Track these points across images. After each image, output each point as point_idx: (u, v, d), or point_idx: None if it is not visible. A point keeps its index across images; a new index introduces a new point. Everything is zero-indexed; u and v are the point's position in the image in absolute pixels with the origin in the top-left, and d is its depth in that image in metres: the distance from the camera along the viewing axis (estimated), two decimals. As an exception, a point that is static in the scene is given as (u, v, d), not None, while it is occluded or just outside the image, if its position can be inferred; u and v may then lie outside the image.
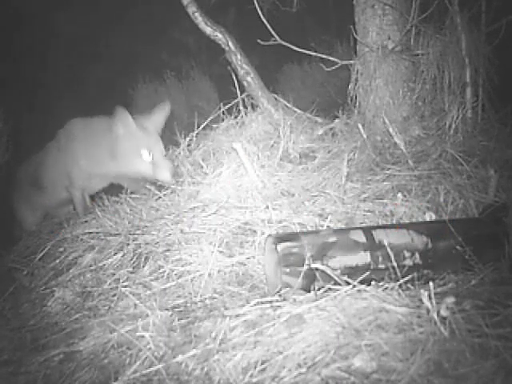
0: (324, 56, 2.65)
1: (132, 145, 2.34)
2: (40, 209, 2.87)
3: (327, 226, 1.74)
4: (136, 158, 2.34)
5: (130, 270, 1.75)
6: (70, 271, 1.88)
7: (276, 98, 2.85)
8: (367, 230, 1.43)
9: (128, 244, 1.86)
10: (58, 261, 1.99)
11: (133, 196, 2.33)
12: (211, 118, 2.85)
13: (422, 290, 1.12)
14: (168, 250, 1.77)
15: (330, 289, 1.30)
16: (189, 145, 2.71)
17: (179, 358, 1.18)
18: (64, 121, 2.70)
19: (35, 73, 5.01)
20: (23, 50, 4.97)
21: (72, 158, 2.54)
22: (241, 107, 2.81)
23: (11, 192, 3.00)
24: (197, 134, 2.75)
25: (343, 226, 1.76)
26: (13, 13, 4.70)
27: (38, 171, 2.74)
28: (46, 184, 2.73)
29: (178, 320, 1.38)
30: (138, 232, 1.89)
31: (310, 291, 1.33)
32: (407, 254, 1.39)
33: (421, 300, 1.13)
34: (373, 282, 1.32)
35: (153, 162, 2.33)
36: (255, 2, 2.63)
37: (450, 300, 1.10)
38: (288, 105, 2.83)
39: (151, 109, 2.50)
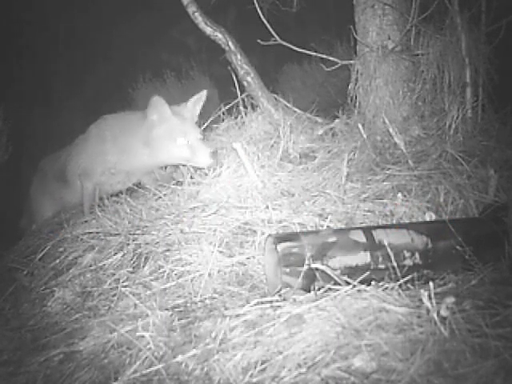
0: (324, 56, 2.65)
1: (167, 130, 2.37)
2: (60, 204, 2.83)
3: (327, 226, 1.74)
4: (171, 143, 2.37)
5: (130, 270, 1.75)
6: (70, 271, 1.88)
7: (276, 98, 2.85)
8: (367, 230, 1.43)
9: (128, 244, 1.86)
10: (58, 261, 1.99)
11: (133, 196, 2.33)
12: (211, 118, 2.85)
13: (422, 290, 1.12)
14: (168, 250, 1.77)
15: (330, 289, 1.30)
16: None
17: (179, 358, 1.18)
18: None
19: (36, 73, 5.01)
20: (24, 51, 4.97)
21: (100, 152, 2.53)
22: (241, 107, 2.81)
23: (30, 183, 2.97)
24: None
25: (343, 226, 1.76)
26: (14, 13, 4.70)
27: (66, 165, 2.71)
28: (72, 179, 2.70)
29: (178, 320, 1.38)
30: (138, 232, 1.89)
31: (310, 291, 1.33)
32: (407, 254, 1.39)
33: (421, 300, 1.13)
34: (373, 282, 1.32)
35: (190, 146, 2.36)
36: (255, 2, 2.63)
37: (450, 300, 1.10)
38: (288, 105, 2.83)
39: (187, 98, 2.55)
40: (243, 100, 2.84)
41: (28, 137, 4.32)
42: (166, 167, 2.62)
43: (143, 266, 1.75)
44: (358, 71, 2.52)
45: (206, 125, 2.81)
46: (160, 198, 2.18)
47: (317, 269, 1.32)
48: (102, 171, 2.55)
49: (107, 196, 2.49)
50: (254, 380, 1.06)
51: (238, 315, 1.30)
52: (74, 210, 2.82)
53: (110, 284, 1.71)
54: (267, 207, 1.86)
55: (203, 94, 2.54)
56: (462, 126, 2.30)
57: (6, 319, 1.73)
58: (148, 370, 1.17)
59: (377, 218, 1.81)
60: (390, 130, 2.30)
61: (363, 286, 1.26)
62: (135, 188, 2.51)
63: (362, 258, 1.37)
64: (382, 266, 1.36)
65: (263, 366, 1.08)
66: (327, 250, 1.36)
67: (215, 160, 2.33)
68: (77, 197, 2.70)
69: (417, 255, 1.39)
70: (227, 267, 1.64)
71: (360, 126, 2.37)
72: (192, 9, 2.77)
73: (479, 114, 2.39)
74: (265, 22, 2.62)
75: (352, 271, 1.35)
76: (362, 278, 1.33)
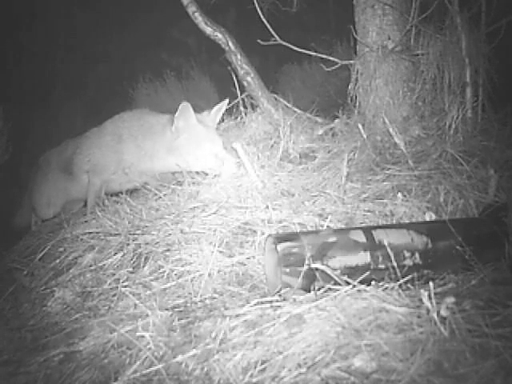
0: (324, 56, 2.65)
1: (193, 137, 2.33)
2: (64, 197, 2.80)
3: (327, 226, 1.74)
4: (199, 151, 2.33)
5: (130, 270, 1.75)
6: (70, 271, 1.88)
7: (276, 98, 2.86)
8: (367, 230, 1.43)
9: (128, 244, 1.86)
10: (58, 261, 1.99)
11: (133, 196, 2.33)
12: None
13: (422, 290, 1.12)
14: (168, 250, 1.77)
15: (330, 289, 1.30)
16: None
17: (179, 357, 1.18)
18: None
19: (36, 73, 5.01)
20: (24, 51, 4.97)
21: (115, 150, 2.49)
22: (241, 107, 2.82)
23: (32, 175, 2.95)
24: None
25: (343, 226, 1.76)
26: (14, 13, 4.71)
27: (73, 158, 2.67)
28: (78, 172, 2.66)
29: (178, 320, 1.38)
30: (138, 232, 1.89)
31: (310, 291, 1.33)
32: (407, 254, 1.39)
33: (421, 300, 1.13)
34: (373, 282, 1.32)
35: (216, 155, 2.33)
36: (255, 2, 2.63)
37: (450, 300, 1.10)
38: (288, 105, 2.84)
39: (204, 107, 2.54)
40: (243, 100, 2.84)
41: (28, 137, 4.32)
42: None
43: (143, 266, 1.75)
44: (358, 71, 2.52)
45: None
46: (160, 197, 2.18)
47: (317, 269, 1.32)
48: (114, 170, 2.51)
49: (111, 194, 2.48)
50: (254, 380, 1.06)
51: (237, 315, 1.30)
52: (75, 209, 2.83)
53: (109, 284, 1.71)
54: (267, 207, 1.86)
55: (225, 103, 2.51)
56: (462, 126, 2.30)
57: (6, 319, 1.73)
58: (148, 370, 1.17)
59: (377, 217, 1.81)
60: (390, 130, 2.30)
61: (363, 286, 1.26)
62: (136, 187, 2.51)
63: (362, 257, 1.36)
64: (382, 266, 1.36)
65: (263, 366, 1.08)
66: (327, 250, 1.36)
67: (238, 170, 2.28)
68: (81, 191, 2.68)
69: (417, 255, 1.39)
70: (227, 267, 1.64)
71: (360, 126, 2.37)
72: (192, 9, 2.77)
73: (479, 114, 2.39)
74: (265, 22, 2.62)
75: (352, 271, 1.35)
76: (362, 278, 1.33)
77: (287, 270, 1.34)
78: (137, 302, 1.51)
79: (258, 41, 2.63)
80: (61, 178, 2.76)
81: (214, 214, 1.90)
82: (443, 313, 1.08)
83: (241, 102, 2.84)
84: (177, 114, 2.30)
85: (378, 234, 1.41)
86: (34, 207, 2.92)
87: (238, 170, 2.26)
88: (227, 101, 2.54)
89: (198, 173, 2.35)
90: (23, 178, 3.21)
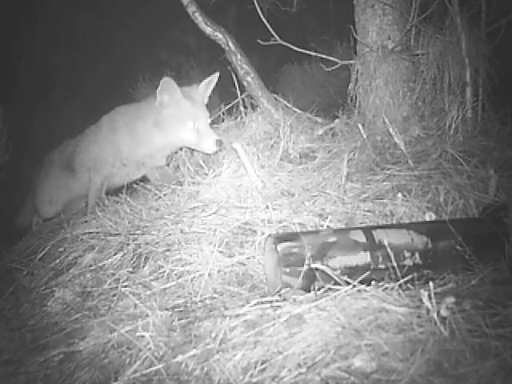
0: (324, 56, 2.65)
1: (176, 112, 2.38)
2: (66, 194, 2.82)
3: (327, 226, 1.74)
4: (180, 126, 2.38)
5: (130, 270, 1.75)
6: (70, 271, 1.88)
7: (276, 98, 2.85)
8: (367, 230, 1.43)
9: (128, 244, 1.86)
10: (58, 261, 1.99)
11: (133, 196, 2.33)
12: (211, 118, 2.85)
13: (421, 290, 1.12)
14: (168, 250, 1.77)
15: (330, 289, 1.30)
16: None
17: (179, 358, 1.18)
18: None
19: (36, 73, 5.01)
20: (24, 51, 4.97)
21: (112, 142, 2.53)
22: (241, 107, 2.81)
23: (35, 175, 2.97)
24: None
25: (343, 226, 1.76)
26: (14, 13, 4.70)
27: (74, 156, 2.70)
28: (79, 170, 2.69)
29: (178, 320, 1.38)
30: (138, 232, 1.89)
31: (310, 291, 1.33)
32: (407, 254, 1.39)
33: (421, 300, 1.13)
34: (373, 282, 1.32)
35: (197, 130, 2.37)
36: (255, 2, 2.63)
37: (450, 300, 1.10)
38: (288, 105, 2.83)
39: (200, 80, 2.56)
40: (243, 100, 2.84)
41: (28, 137, 4.31)
42: (168, 165, 2.63)
43: (143, 266, 1.75)
44: (358, 71, 2.52)
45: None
46: (160, 198, 2.18)
47: (317, 269, 1.32)
48: (113, 162, 2.54)
49: (111, 194, 2.48)
50: (254, 380, 1.06)
51: (237, 315, 1.30)
52: (75, 209, 2.83)
53: (109, 284, 1.71)
54: (267, 207, 1.86)
55: (215, 76, 2.54)
56: (462, 126, 2.30)
57: (6, 319, 1.73)
58: (148, 370, 1.18)
59: (377, 218, 1.81)
60: (390, 130, 2.30)
61: (363, 286, 1.26)
62: (136, 187, 2.51)
63: (362, 258, 1.37)
64: (382, 266, 1.36)
65: (263, 366, 1.08)
66: (327, 250, 1.36)
67: (220, 148, 2.36)
68: (82, 188, 2.70)
69: (417, 255, 1.39)
70: (227, 267, 1.64)
71: (360, 126, 2.37)
72: (192, 9, 2.77)
73: (479, 114, 2.39)
74: (265, 22, 2.62)
75: (352, 271, 1.35)
76: (362, 278, 1.33)
77: (287, 270, 1.34)
78: (137, 302, 1.51)
79: (258, 41, 2.63)
80: (62, 175, 2.79)
81: (214, 213, 1.90)
82: (443, 313, 1.08)
83: (241, 101, 2.84)
84: (159, 88, 2.34)
85: (378, 234, 1.41)
86: (36, 207, 2.93)
87: (218, 148, 2.33)
88: (218, 74, 2.56)
89: (197, 172, 2.36)
90: (24, 178, 3.21)
